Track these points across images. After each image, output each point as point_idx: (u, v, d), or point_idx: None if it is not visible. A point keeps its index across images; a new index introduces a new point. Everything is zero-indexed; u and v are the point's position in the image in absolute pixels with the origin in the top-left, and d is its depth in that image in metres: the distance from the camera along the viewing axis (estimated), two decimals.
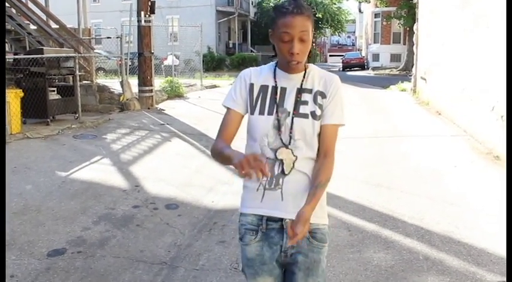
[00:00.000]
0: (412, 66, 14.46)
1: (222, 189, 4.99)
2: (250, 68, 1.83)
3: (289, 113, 1.69)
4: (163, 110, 10.65)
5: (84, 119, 8.72)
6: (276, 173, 1.70)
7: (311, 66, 1.77)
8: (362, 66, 33.30)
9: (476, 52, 7.43)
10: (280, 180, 1.70)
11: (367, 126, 8.69)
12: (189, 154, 6.82)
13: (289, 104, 1.71)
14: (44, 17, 11.04)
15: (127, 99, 10.33)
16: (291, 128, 1.68)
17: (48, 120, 8.25)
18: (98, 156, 6.46)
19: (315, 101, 1.71)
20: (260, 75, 1.77)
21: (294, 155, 1.69)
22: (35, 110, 8.01)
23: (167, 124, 8.89)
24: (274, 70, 1.76)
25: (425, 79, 12.10)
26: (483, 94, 6.90)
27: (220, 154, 1.64)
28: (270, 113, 1.71)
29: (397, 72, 25.90)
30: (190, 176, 5.62)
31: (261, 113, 1.72)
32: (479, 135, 7.06)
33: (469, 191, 4.94)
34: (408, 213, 4.23)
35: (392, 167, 5.89)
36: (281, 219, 1.71)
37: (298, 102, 1.70)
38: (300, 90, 1.72)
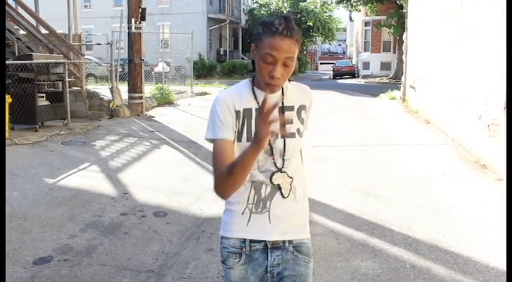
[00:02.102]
0: (402, 75, 14.59)
1: (210, 197, 4.97)
2: (226, 91, 1.68)
3: (277, 134, 1.58)
4: (153, 117, 10.62)
5: (73, 125, 8.67)
6: (263, 196, 1.65)
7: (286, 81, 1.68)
8: (352, 74, 33.53)
9: (463, 62, 7.52)
10: (268, 203, 1.65)
11: (356, 134, 8.74)
12: (178, 161, 6.81)
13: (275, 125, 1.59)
14: (33, 22, 10.99)
15: (117, 106, 10.29)
16: (284, 150, 1.64)
17: (37, 126, 8.19)
18: (86, 163, 6.43)
19: (298, 117, 1.68)
20: (240, 98, 1.64)
21: (290, 177, 1.65)
22: (24, 116, 7.95)
23: (157, 131, 8.87)
24: (253, 89, 1.65)
25: (414, 88, 12.22)
26: (470, 103, 6.98)
27: (234, 165, 1.46)
28: None
29: (387, 81, 26.12)
30: (179, 184, 5.61)
31: (249, 139, 1.58)
32: (466, 143, 7.13)
33: (456, 199, 4.98)
34: (396, 222, 4.25)
35: (381, 175, 5.92)
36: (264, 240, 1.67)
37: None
38: (283, 109, 1.64)
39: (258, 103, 1.61)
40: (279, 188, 1.64)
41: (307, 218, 1.74)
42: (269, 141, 1.54)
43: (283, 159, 1.64)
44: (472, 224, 4.26)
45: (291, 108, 1.66)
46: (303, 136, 1.69)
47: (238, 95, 1.64)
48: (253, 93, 1.64)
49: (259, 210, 1.65)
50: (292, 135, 1.64)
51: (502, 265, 3.33)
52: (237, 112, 1.61)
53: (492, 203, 4.84)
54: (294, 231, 1.69)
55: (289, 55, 1.52)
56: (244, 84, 1.67)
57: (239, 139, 1.62)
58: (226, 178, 1.48)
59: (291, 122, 1.59)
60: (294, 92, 1.69)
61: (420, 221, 4.29)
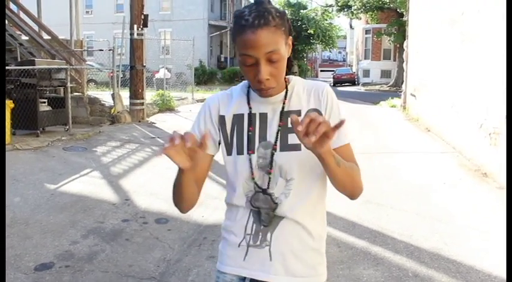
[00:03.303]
0: (402, 83, 14.63)
1: (212, 204, 4.97)
2: (218, 93, 1.43)
3: (274, 146, 1.31)
4: (154, 123, 10.64)
5: (74, 131, 8.68)
6: (262, 226, 1.34)
7: (293, 79, 1.37)
8: (353, 81, 33.62)
9: (464, 70, 7.55)
10: (268, 235, 1.34)
11: (357, 141, 8.66)
12: None
13: (273, 135, 1.32)
14: (36, 28, 11.05)
15: (118, 112, 10.31)
16: (270, 166, 1.31)
17: (38, 131, 8.20)
18: (87, 168, 6.43)
19: None
20: (231, 101, 1.38)
21: (275, 203, 1.31)
22: (25, 121, 7.97)
23: (158, 137, 8.88)
24: (248, 92, 1.37)
25: (414, 96, 12.24)
26: (471, 111, 6.99)
27: (175, 182, 1.27)
28: (249, 149, 1.33)
29: (387, 88, 26.19)
30: None
31: (240, 152, 1.33)
32: (467, 152, 7.14)
33: (457, 207, 4.98)
34: (398, 230, 4.25)
35: (382, 183, 5.91)
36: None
37: (283, 131, 1.31)
38: (283, 115, 1.32)
39: (250, 107, 1.34)
40: (259, 212, 1.34)
41: (322, 259, 1.40)
42: (261, 155, 1.32)
43: (269, 178, 1.31)
44: (473, 233, 4.25)
45: (297, 113, 1.31)
46: None
47: (228, 98, 1.39)
48: (248, 96, 1.36)
49: (258, 243, 1.34)
50: (295, 147, 1.29)
51: (504, 274, 3.32)
52: (221, 117, 1.36)
53: (494, 212, 4.84)
54: (304, 272, 1.35)
55: (271, 49, 1.19)
56: (240, 86, 1.39)
57: (229, 152, 1.36)
58: (173, 191, 1.30)
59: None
60: (303, 93, 1.35)
61: (422, 229, 4.29)
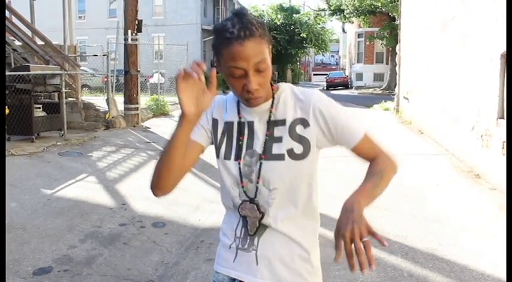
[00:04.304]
0: (395, 86, 14.75)
1: (208, 208, 5.01)
2: (218, 96, 1.42)
3: (259, 155, 1.31)
4: (149, 128, 10.66)
5: (69, 136, 8.69)
6: (251, 231, 1.39)
7: (282, 86, 1.36)
8: (346, 85, 33.76)
9: (456, 73, 7.64)
10: (256, 240, 1.37)
11: None
12: None
13: (259, 143, 1.33)
14: (29, 33, 11.05)
15: (113, 117, 10.32)
16: (258, 176, 1.32)
17: (33, 137, 8.20)
18: (83, 174, 6.44)
19: (291, 134, 1.31)
20: (224, 107, 1.40)
21: (260, 212, 1.33)
22: (20, 127, 7.97)
23: (153, 142, 8.91)
24: (238, 101, 1.37)
25: (407, 99, 12.35)
26: (463, 114, 7.08)
27: (166, 146, 1.24)
28: (237, 157, 1.34)
29: (380, 92, 26.34)
30: (176, 194, 5.58)
31: (227, 157, 1.36)
32: (460, 154, 7.22)
33: (451, 208, 5.05)
34: (392, 231, 4.30)
35: None
36: None
37: (268, 140, 1.31)
38: (269, 124, 1.32)
39: (239, 116, 1.36)
40: (245, 221, 1.37)
41: (311, 268, 1.40)
42: (246, 162, 1.33)
43: (256, 187, 1.32)
44: (467, 233, 4.32)
45: (282, 123, 1.31)
46: (302, 159, 1.31)
47: (223, 104, 1.41)
48: (238, 106, 1.37)
49: (246, 247, 1.38)
50: (279, 157, 1.29)
51: (498, 273, 3.38)
52: (214, 120, 1.39)
53: (486, 212, 4.91)
54: (291, 279, 1.37)
55: (259, 59, 1.20)
56: (232, 95, 1.38)
57: (217, 155, 1.39)
58: (159, 163, 1.27)
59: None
60: (290, 102, 1.33)
61: (416, 230, 4.35)
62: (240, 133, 1.35)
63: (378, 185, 1.26)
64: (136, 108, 10.91)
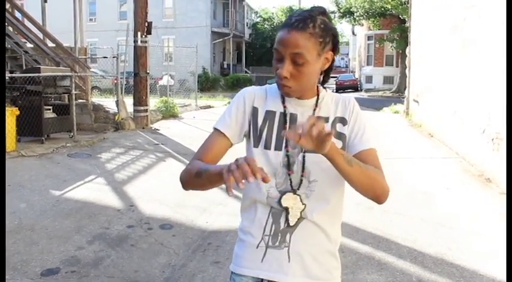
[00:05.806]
0: (405, 89, 14.66)
1: (216, 210, 5.01)
2: (254, 86, 1.48)
3: (302, 147, 1.32)
4: (158, 129, 10.69)
5: (79, 137, 8.74)
6: (282, 227, 1.37)
7: (323, 90, 1.45)
8: (355, 88, 33.58)
9: (466, 76, 7.58)
10: (287, 236, 1.36)
11: None
12: None
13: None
14: (40, 35, 11.14)
15: (122, 119, 10.37)
16: (303, 168, 1.35)
17: (43, 138, 8.25)
18: (92, 175, 6.47)
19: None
20: (265, 97, 1.43)
21: (303, 203, 1.35)
22: (30, 128, 8.03)
23: (162, 144, 8.93)
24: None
25: (417, 101, 12.27)
26: (474, 117, 7.02)
27: (203, 172, 1.28)
28: (278, 148, 1.36)
29: (390, 94, 26.23)
30: (184, 197, 5.62)
31: (267, 147, 1.37)
32: (470, 157, 7.15)
33: (460, 212, 4.99)
34: (401, 235, 4.27)
35: None
36: None
37: None
38: None
39: (284, 107, 1.39)
40: (287, 212, 1.36)
41: (337, 263, 1.44)
42: (288, 153, 1.35)
43: (301, 179, 1.35)
44: (477, 237, 4.27)
45: (325, 120, 1.38)
46: None
47: (264, 92, 1.44)
48: (282, 96, 1.40)
49: (277, 244, 1.37)
50: None
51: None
52: (254, 109, 1.41)
53: (497, 217, 4.85)
54: (321, 275, 1.39)
55: (297, 51, 1.26)
56: (275, 85, 1.41)
57: (256, 144, 1.38)
58: (193, 177, 1.32)
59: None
60: (331, 103, 1.42)
61: (425, 235, 4.31)
62: (285, 123, 1.38)
63: (360, 165, 1.26)
64: (146, 110, 10.95)
